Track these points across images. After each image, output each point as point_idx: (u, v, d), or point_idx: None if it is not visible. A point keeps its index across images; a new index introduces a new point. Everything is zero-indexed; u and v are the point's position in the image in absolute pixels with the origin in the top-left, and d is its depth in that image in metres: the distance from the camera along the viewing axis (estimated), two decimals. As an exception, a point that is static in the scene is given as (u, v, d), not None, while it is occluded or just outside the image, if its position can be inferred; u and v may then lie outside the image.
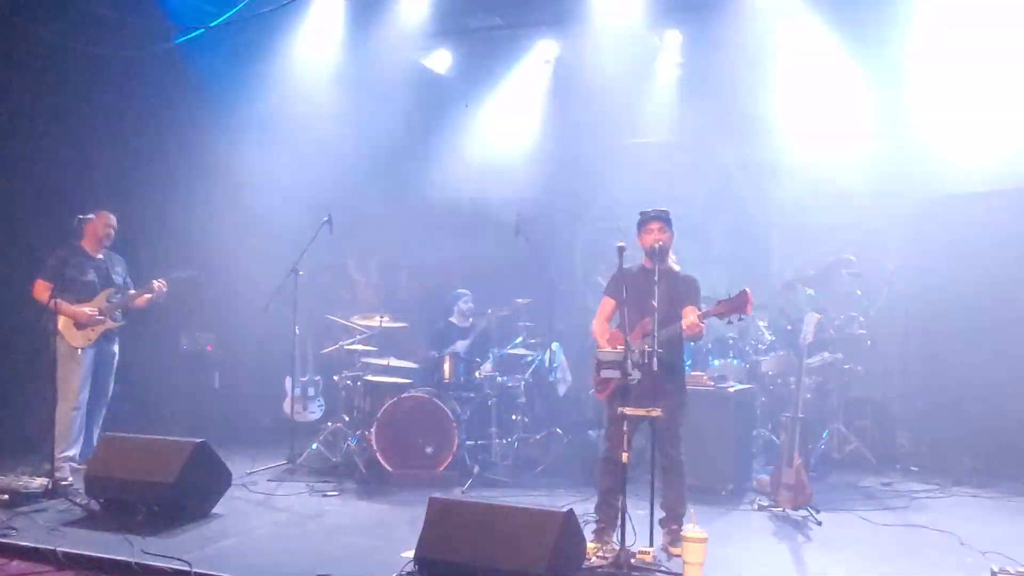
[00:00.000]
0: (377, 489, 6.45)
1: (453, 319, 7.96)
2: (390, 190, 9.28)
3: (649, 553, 4.53)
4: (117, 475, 5.37)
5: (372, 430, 6.72)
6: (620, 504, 4.48)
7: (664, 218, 4.99)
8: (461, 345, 7.62)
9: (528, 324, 7.79)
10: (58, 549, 4.60)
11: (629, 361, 4.50)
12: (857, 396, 7.81)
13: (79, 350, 6.27)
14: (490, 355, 7.31)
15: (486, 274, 8.87)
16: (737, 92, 8.32)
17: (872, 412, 7.69)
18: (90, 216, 6.37)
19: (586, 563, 4.45)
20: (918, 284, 8.06)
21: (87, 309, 6.31)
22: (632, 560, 4.41)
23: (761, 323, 7.69)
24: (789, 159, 8.16)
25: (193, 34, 7.47)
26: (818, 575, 4.68)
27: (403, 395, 6.77)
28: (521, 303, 7.64)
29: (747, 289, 4.72)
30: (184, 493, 5.30)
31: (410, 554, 4.37)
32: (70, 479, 6.00)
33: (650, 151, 9.36)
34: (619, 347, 4.61)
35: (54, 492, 5.69)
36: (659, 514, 4.89)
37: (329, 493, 6.28)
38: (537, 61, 9.16)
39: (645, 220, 5.02)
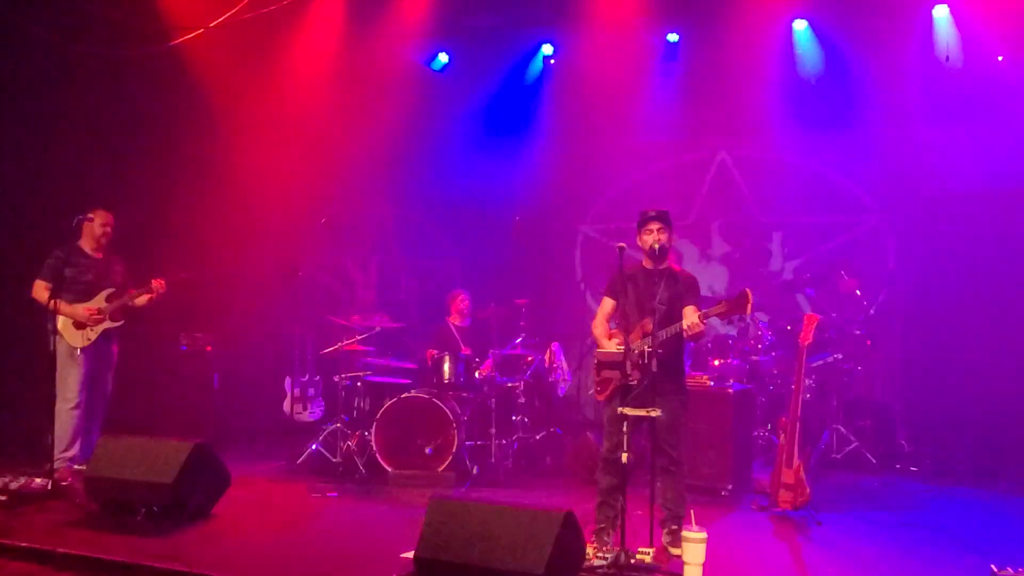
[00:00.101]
0: (377, 489, 6.44)
1: (452, 319, 7.96)
2: (390, 190, 9.28)
3: (649, 553, 4.52)
4: (116, 475, 5.35)
5: (372, 430, 6.72)
6: (620, 504, 4.47)
7: (664, 218, 4.97)
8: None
9: (528, 324, 7.78)
10: (58, 550, 4.59)
11: (629, 361, 4.50)
12: (857, 396, 7.81)
13: (78, 350, 6.26)
14: (490, 355, 7.31)
15: (486, 274, 8.88)
16: (737, 92, 8.33)
17: (872, 412, 7.68)
18: (89, 216, 6.34)
19: (586, 563, 4.45)
20: (918, 284, 8.06)
21: (86, 309, 6.31)
22: (632, 560, 4.41)
23: (761, 321, 7.70)
24: (789, 159, 8.17)
25: (193, 34, 7.46)
26: (818, 575, 4.68)
27: (403, 395, 6.78)
28: (521, 303, 7.64)
29: (747, 289, 4.72)
30: (184, 493, 5.27)
31: (410, 555, 4.36)
32: (70, 479, 6.00)
33: (650, 151, 9.37)
34: (619, 346, 4.60)
35: (54, 492, 5.67)
36: (659, 514, 4.89)
37: (329, 493, 6.28)
38: (537, 60, 9.17)
39: (645, 220, 5.00)
